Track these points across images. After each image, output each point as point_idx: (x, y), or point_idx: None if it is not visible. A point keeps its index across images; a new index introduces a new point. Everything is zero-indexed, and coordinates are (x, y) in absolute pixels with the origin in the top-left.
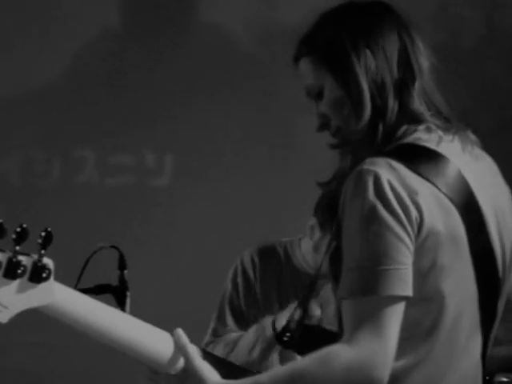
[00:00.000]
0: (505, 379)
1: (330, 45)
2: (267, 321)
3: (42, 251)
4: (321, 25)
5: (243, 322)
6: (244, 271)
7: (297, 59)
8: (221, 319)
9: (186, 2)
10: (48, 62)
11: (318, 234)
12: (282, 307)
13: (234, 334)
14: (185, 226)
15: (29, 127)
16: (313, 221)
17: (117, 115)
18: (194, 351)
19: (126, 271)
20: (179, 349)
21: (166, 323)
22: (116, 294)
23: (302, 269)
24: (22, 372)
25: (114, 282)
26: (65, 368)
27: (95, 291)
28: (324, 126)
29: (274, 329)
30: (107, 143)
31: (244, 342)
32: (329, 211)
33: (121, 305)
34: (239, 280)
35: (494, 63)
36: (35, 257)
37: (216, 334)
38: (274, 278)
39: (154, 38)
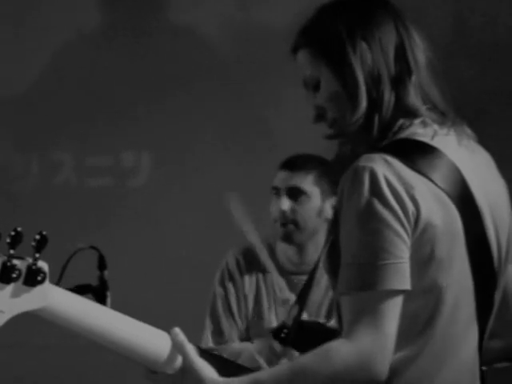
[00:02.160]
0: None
1: (326, 37)
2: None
3: (37, 254)
4: (319, 17)
5: (236, 325)
6: (230, 274)
7: (295, 50)
8: (216, 325)
9: (160, 5)
10: (25, 64)
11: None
12: (270, 306)
13: (237, 345)
14: (164, 226)
15: (5, 129)
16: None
17: (93, 117)
18: (191, 349)
19: (105, 271)
20: (177, 347)
21: (146, 322)
22: (96, 294)
23: (285, 265)
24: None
25: (94, 282)
26: (46, 368)
27: (76, 292)
28: (319, 117)
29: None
30: (84, 145)
31: (246, 355)
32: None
33: (101, 305)
34: (226, 284)
35: (464, 59)
36: (30, 260)
37: (218, 342)
38: (259, 278)
39: (130, 41)
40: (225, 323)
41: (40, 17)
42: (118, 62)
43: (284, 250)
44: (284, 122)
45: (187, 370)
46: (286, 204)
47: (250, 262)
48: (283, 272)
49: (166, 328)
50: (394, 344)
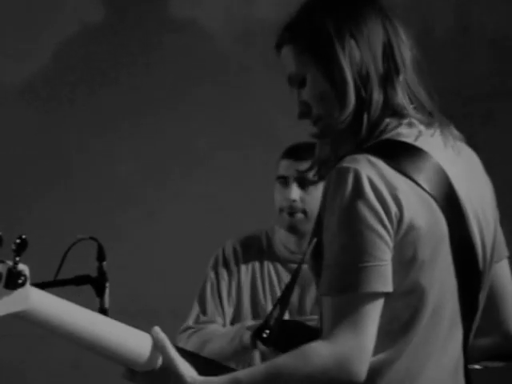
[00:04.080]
0: (477, 366)
1: (314, 33)
2: (248, 324)
3: (17, 258)
4: (305, 13)
5: (222, 311)
6: (225, 260)
7: (279, 46)
8: (202, 307)
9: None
10: (27, 59)
11: None
12: (265, 297)
13: (214, 326)
14: (164, 217)
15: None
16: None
17: (96, 111)
18: (171, 348)
19: (104, 262)
20: (157, 345)
21: (144, 313)
22: (95, 284)
23: (282, 256)
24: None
25: (93, 273)
26: (44, 358)
27: (75, 282)
28: (304, 114)
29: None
30: (87, 137)
31: (221, 338)
32: None
33: (100, 295)
34: (220, 269)
35: (466, 54)
36: (10, 263)
37: (197, 321)
38: (256, 268)
39: (134, 36)
40: (211, 307)
41: (43, 11)
42: (120, 56)
43: (284, 238)
44: (285, 117)
45: (167, 368)
46: (296, 193)
47: (248, 252)
48: (279, 260)
49: (163, 318)
50: (372, 346)
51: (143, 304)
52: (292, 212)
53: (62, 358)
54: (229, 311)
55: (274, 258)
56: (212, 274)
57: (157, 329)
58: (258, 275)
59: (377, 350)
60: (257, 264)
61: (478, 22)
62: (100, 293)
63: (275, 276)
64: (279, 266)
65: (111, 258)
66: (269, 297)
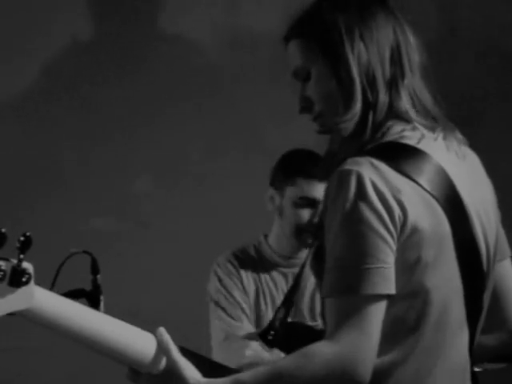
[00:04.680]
0: (477, 369)
1: (325, 30)
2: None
3: (21, 256)
4: (317, 9)
5: (240, 307)
6: (223, 276)
7: (287, 39)
8: (227, 318)
9: (153, 12)
10: (16, 73)
11: (277, 198)
12: (266, 305)
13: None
14: (159, 228)
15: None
16: (269, 191)
17: (87, 126)
18: (175, 349)
19: (98, 275)
20: (161, 347)
21: (140, 325)
22: (90, 298)
23: (276, 262)
24: None
25: (88, 286)
26: (40, 371)
27: (69, 296)
28: (305, 109)
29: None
30: (80, 152)
31: None
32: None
33: (95, 309)
34: (221, 285)
35: (457, 55)
36: (14, 261)
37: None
38: (253, 279)
39: (123, 49)
40: (232, 310)
41: (34, 24)
42: (110, 70)
43: (280, 245)
44: (275, 126)
45: (170, 369)
46: None
47: (243, 264)
48: (273, 267)
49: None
50: (376, 348)
51: (139, 316)
52: (313, 233)
53: (58, 370)
54: (247, 309)
55: (267, 266)
56: (214, 294)
57: (161, 330)
58: (257, 286)
59: (384, 352)
60: (254, 275)
61: (466, 23)
62: (95, 306)
63: (272, 283)
64: (273, 273)
65: (105, 271)
66: (270, 304)
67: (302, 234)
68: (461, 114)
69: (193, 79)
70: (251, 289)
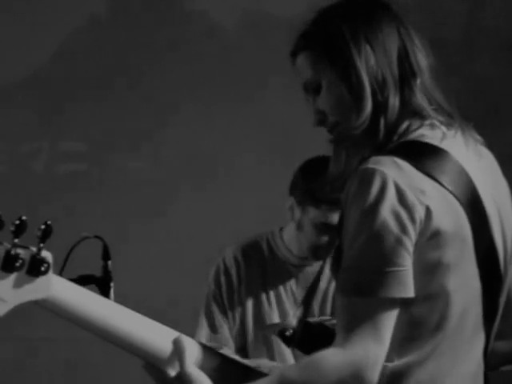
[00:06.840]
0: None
1: (330, 39)
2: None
3: (41, 244)
4: (321, 20)
5: (227, 321)
6: (226, 270)
7: (295, 54)
8: (210, 322)
9: None
10: (34, 50)
11: (298, 212)
12: (270, 304)
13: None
14: (170, 217)
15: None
16: (290, 201)
17: (104, 104)
18: (189, 360)
19: (109, 262)
20: (176, 355)
21: (149, 314)
22: (100, 284)
23: (287, 260)
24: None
25: (98, 272)
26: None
27: (79, 282)
28: (320, 122)
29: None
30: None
31: None
32: None
33: (104, 295)
34: (222, 279)
35: (480, 54)
36: (34, 250)
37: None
38: (259, 275)
39: (141, 28)
40: (219, 321)
41: (51, 3)
42: (128, 48)
43: (292, 242)
44: (299, 118)
45: (182, 379)
46: None
47: (249, 260)
48: (283, 264)
49: (169, 319)
50: (386, 351)
51: (149, 304)
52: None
53: (62, 360)
54: (232, 322)
55: (277, 263)
56: (214, 287)
57: (179, 338)
58: (260, 283)
59: (404, 353)
60: (259, 271)
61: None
62: (105, 292)
63: (279, 281)
64: (283, 271)
65: (116, 258)
66: (274, 303)
67: (319, 250)
68: (488, 113)
69: (212, 60)
70: (252, 289)
